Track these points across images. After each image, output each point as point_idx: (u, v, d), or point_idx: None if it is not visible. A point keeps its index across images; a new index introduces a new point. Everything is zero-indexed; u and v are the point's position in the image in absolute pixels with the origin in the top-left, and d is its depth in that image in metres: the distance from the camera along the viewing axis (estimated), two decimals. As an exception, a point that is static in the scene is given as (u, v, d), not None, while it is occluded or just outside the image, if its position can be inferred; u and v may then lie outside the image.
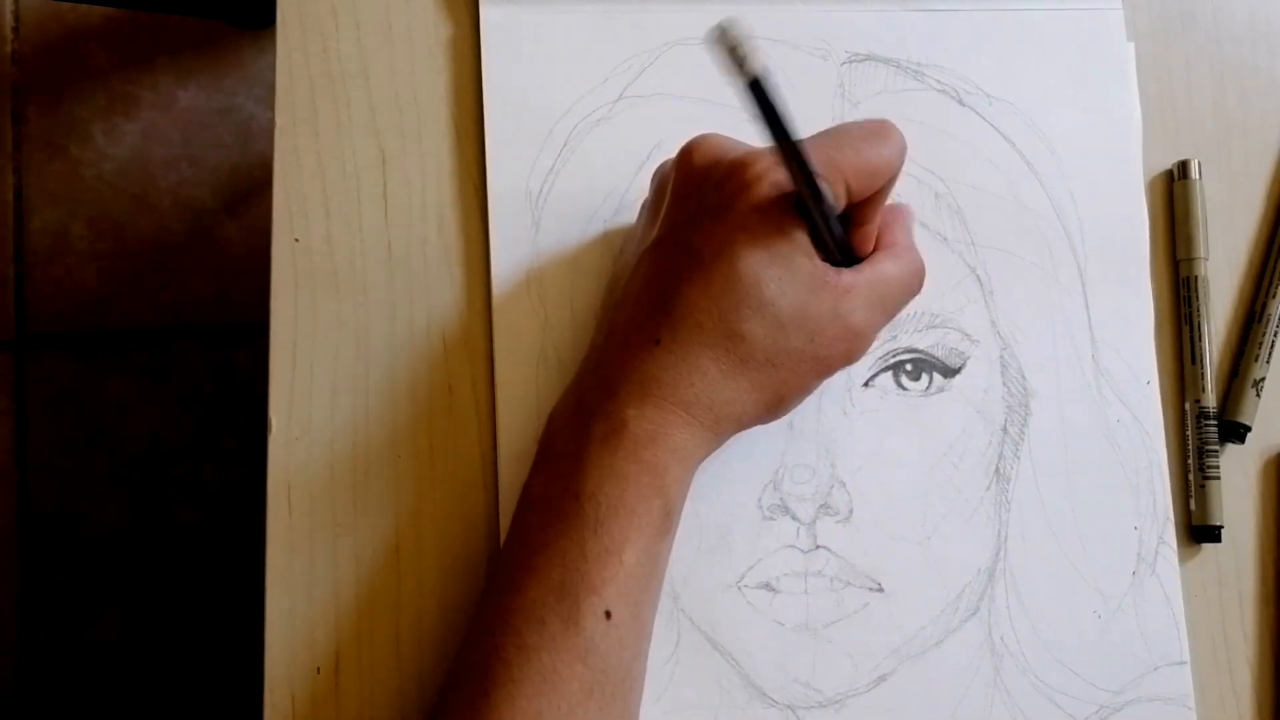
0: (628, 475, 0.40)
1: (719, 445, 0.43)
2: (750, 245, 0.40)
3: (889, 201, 0.44)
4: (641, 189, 0.50)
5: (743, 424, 0.42)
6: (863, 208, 0.42)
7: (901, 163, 0.42)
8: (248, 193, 1.29)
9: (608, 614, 0.39)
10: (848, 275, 0.42)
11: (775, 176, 0.41)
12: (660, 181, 0.46)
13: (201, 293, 1.27)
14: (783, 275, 0.40)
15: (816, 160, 0.39)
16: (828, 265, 0.41)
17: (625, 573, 0.39)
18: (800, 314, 0.41)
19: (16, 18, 1.30)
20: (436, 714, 0.40)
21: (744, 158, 0.42)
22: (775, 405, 0.42)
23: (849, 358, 0.43)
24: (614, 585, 0.39)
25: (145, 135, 1.29)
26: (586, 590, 0.39)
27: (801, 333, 0.41)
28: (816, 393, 0.48)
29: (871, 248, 0.44)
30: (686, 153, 0.43)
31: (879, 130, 0.42)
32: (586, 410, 0.42)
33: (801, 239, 0.41)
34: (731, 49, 0.33)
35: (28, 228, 1.27)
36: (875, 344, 0.50)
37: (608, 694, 0.39)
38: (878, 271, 0.43)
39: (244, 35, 1.31)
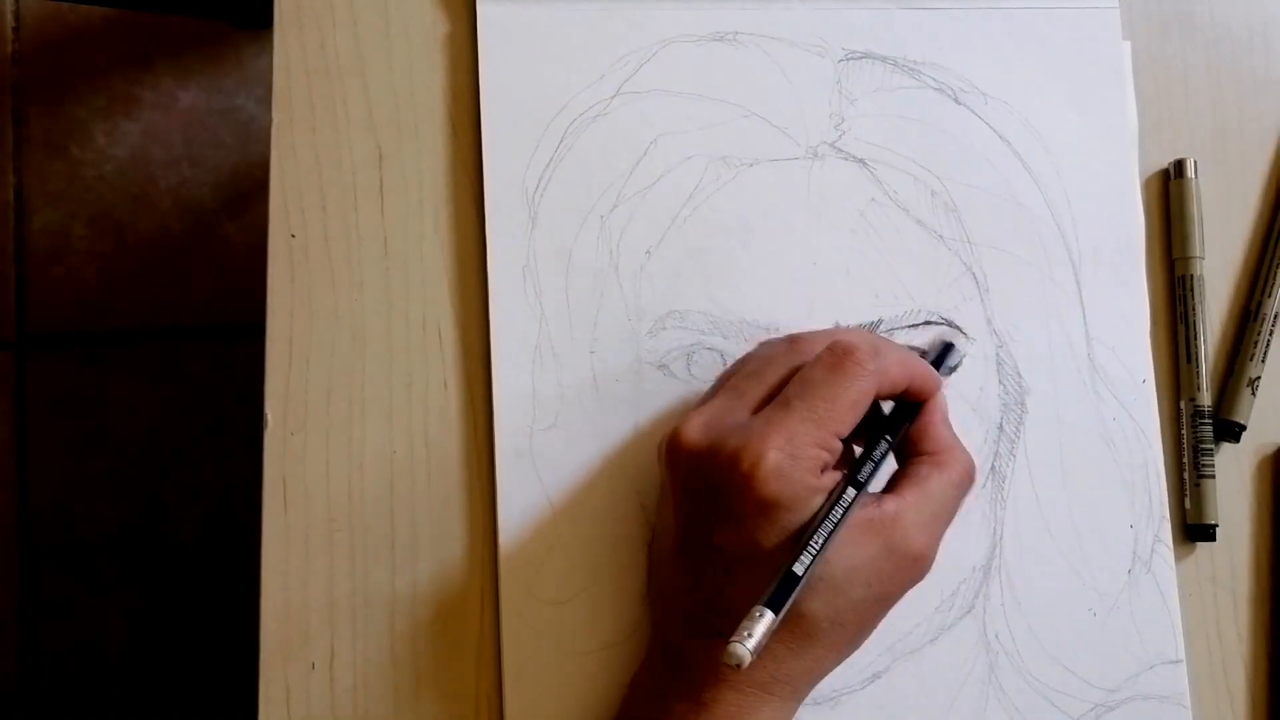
0: None
1: (801, 698, 0.43)
2: (777, 533, 0.40)
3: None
4: (639, 184, 0.50)
5: (821, 676, 0.43)
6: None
7: (875, 380, 0.41)
8: (248, 193, 1.29)
9: None
10: (890, 503, 0.41)
11: (773, 463, 0.40)
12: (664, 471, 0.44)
13: (201, 293, 1.27)
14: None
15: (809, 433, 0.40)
16: (866, 506, 0.41)
17: None
18: (851, 569, 0.40)
19: (17, 18, 1.31)
20: None
21: (735, 453, 0.40)
22: (853, 648, 0.43)
23: (915, 581, 0.42)
24: None
25: (145, 135, 1.29)
26: None
27: (859, 585, 0.40)
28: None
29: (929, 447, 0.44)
30: (672, 452, 0.42)
31: (836, 368, 0.42)
32: (667, 690, 0.42)
33: (822, 500, 0.40)
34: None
35: (28, 228, 1.27)
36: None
37: None
38: (924, 489, 0.42)
39: (244, 35, 1.31)
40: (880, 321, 0.50)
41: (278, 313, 0.48)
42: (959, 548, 0.49)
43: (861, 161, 0.51)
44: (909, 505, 0.41)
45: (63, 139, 1.29)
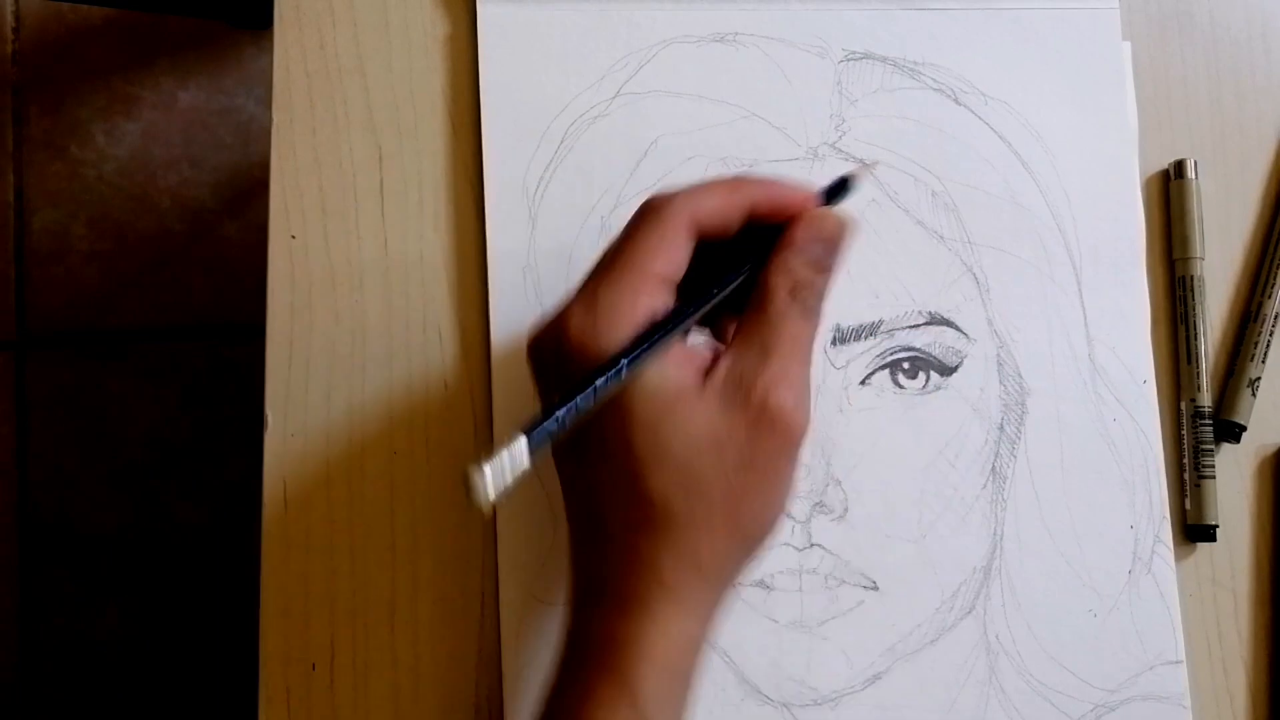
0: (589, 684, 0.37)
1: (708, 614, 0.39)
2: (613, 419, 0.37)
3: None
4: (638, 185, 0.50)
5: (723, 573, 0.39)
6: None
7: (684, 215, 0.39)
8: (248, 193, 1.29)
9: None
10: (718, 374, 0.38)
11: (575, 318, 0.38)
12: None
13: (201, 293, 1.27)
14: (646, 454, 0.37)
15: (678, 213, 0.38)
16: (699, 382, 0.38)
17: None
18: (689, 440, 0.37)
19: (17, 18, 1.31)
20: None
21: (552, 324, 0.39)
22: (749, 532, 0.38)
23: (786, 442, 0.38)
24: None
25: (146, 135, 1.29)
26: None
27: (707, 454, 0.37)
28: (813, 391, 0.49)
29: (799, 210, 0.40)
30: (527, 349, 0.40)
31: (638, 217, 0.40)
32: (567, 617, 0.40)
33: (643, 412, 0.37)
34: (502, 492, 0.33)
35: (28, 228, 1.27)
36: (872, 342, 0.50)
37: None
38: (758, 339, 0.38)
39: (244, 35, 1.31)
40: (881, 322, 0.50)
41: (278, 313, 0.48)
42: (960, 548, 0.49)
43: (862, 162, 0.51)
44: (739, 358, 0.38)
45: (63, 139, 1.29)
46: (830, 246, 0.40)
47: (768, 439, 0.37)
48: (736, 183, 0.40)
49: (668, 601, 0.37)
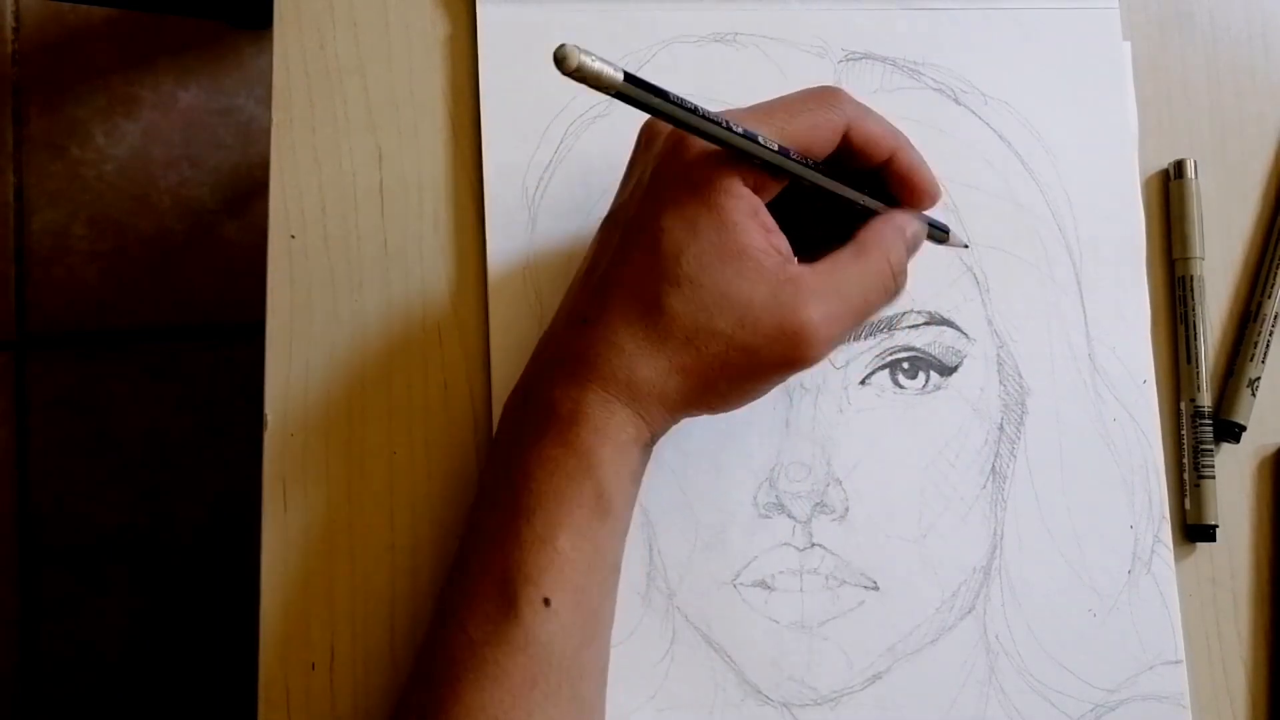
0: (554, 459, 0.39)
1: (654, 429, 0.41)
2: (676, 219, 0.39)
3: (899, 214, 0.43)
4: (638, 186, 0.50)
5: (669, 407, 0.40)
6: (863, 156, 0.42)
7: (840, 118, 0.41)
8: (248, 193, 1.29)
9: (546, 601, 0.38)
10: (795, 266, 0.40)
11: (707, 150, 0.39)
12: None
13: (201, 293, 1.27)
14: (704, 250, 0.38)
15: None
16: (768, 249, 0.39)
17: (561, 559, 0.38)
18: (724, 294, 0.38)
19: (17, 18, 1.31)
20: (398, 707, 0.40)
21: (680, 131, 0.39)
22: (703, 393, 0.40)
23: (790, 357, 0.39)
24: (550, 573, 0.38)
25: (145, 135, 1.29)
26: (523, 579, 0.38)
27: (728, 315, 0.39)
28: (813, 391, 0.49)
29: (913, 189, 0.43)
30: (644, 130, 0.43)
31: (810, 95, 0.41)
32: (527, 394, 0.41)
33: (733, 215, 0.39)
34: (577, 72, 0.32)
35: (28, 228, 1.27)
36: (872, 342, 0.50)
37: (553, 683, 0.38)
38: (833, 265, 0.40)
39: (244, 35, 1.31)
40: (881, 322, 0.50)
41: (278, 313, 0.48)
42: (960, 548, 0.49)
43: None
44: (810, 274, 0.39)
45: (63, 139, 1.29)
46: (916, 245, 0.44)
47: (783, 346, 0.39)
48: (892, 129, 0.43)
49: (635, 399, 0.39)
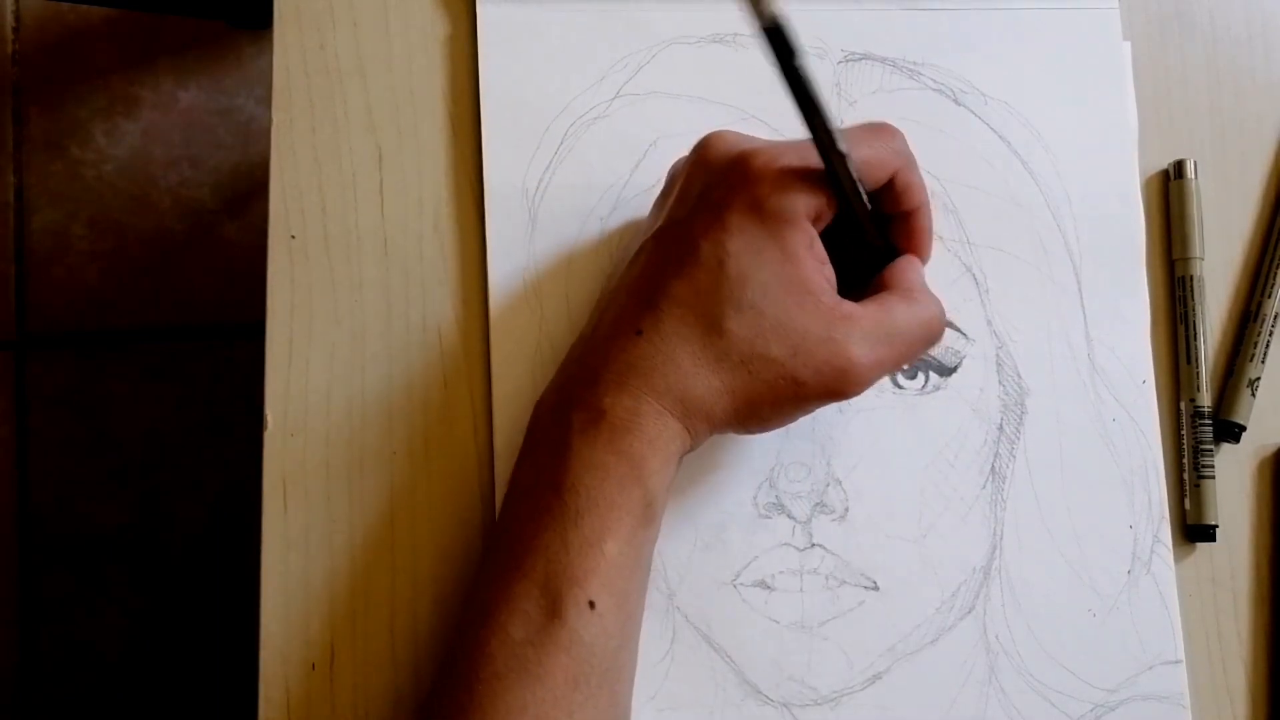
0: (606, 465, 0.40)
1: (694, 444, 0.42)
2: (742, 244, 0.40)
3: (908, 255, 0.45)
4: (638, 186, 0.50)
5: (714, 425, 0.41)
6: (895, 199, 0.43)
7: (900, 160, 0.43)
8: (248, 193, 1.29)
9: (591, 604, 0.38)
10: (850, 304, 0.41)
11: (778, 171, 0.40)
12: (672, 176, 0.46)
13: (201, 293, 1.27)
14: (769, 279, 0.40)
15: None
16: (825, 284, 0.41)
17: (608, 563, 0.39)
18: (784, 324, 0.40)
19: (17, 18, 1.31)
20: (426, 709, 0.40)
21: (749, 152, 0.41)
22: (747, 415, 0.41)
23: (833, 390, 0.41)
24: (597, 576, 0.39)
25: (146, 135, 1.29)
26: (569, 582, 0.38)
27: (784, 344, 0.40)
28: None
29: (918, 243, 0.45)
30: (702, 146, 0.43)
31: (876, 128, 0.43)
32: (568, 399, 0.42)
33: (796, 247, 0.40)
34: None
35: (28, 228, 1.27)
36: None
37: (594, 684, 0.39)
38: (886, 309, 0.42)
39: (244, 35, 1.31)
40: (880, 322, 0.50)
41: (278, 313, 0.48)
42: (959, 548, 0.49)
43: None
44: (865, 314, 0.41)
45: (63, 139, 1.29)
46: None
47: (828, 379, 0.41)
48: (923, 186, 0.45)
49: (687, 413, 0.41)
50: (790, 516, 0.48)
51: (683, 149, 0.50)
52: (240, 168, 1.29)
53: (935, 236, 0.51)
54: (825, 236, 0.42)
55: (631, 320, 0.41)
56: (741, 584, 0.48)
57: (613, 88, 0.51)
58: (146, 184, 1.28)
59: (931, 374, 0.50)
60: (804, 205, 0.40)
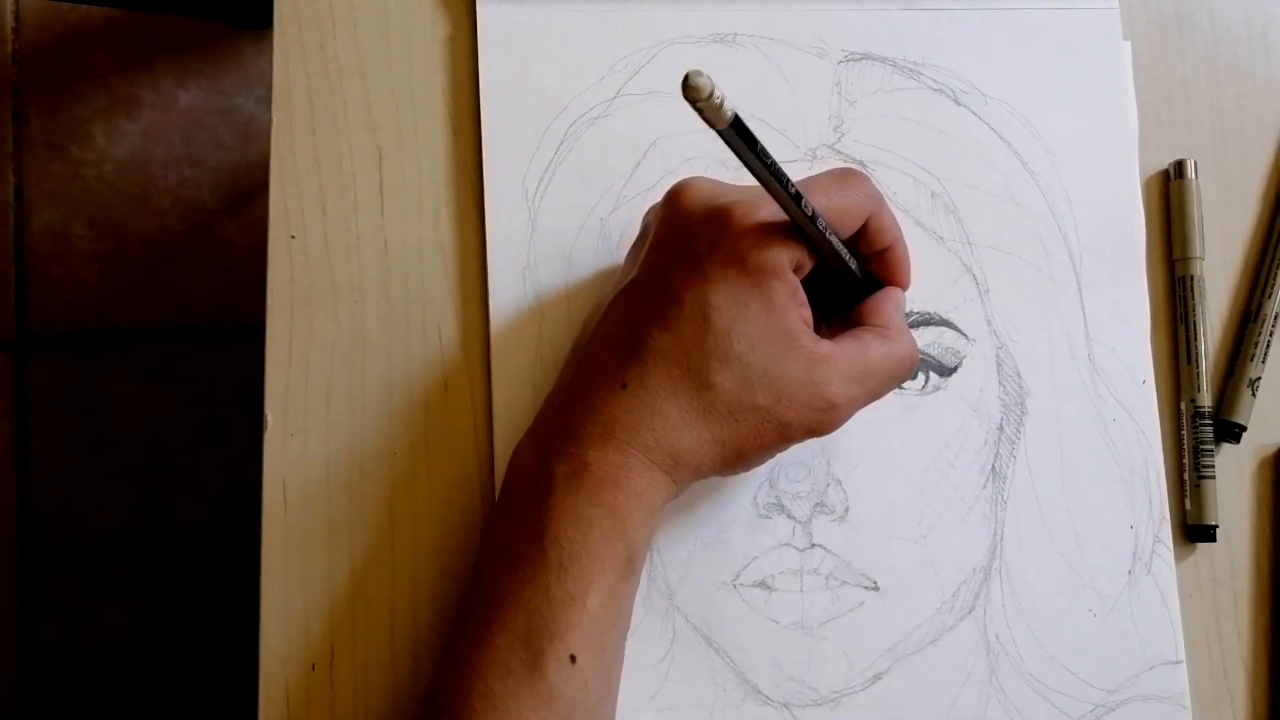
0: (590, 519, 0.40)
1: (678, 492, 0.42)
2: (726, 297, 0.40)
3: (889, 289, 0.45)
4: (638, 186, 0.50)
5: (700, 473, 0.42)
6: (870, 240, 0.44)
7: (871, 204, 0.43)
8: (248, 193, 1.29)
9: (572, 658, 0.38)
10: (827, 345, 0.41)
11: (758, 225, 0.40)
12: (646, 224, 0.45)
13: (201, 293, 1.27)
14: (754, 331, 0.40)
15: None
16: (806, 329, 0.41)
17: (589, 617, 0.39)
18: (770, 374, 0.40)
19: (17, 18, 1.31)
20: None
21: (729, 204, 0.41)
22: (733, 460, 0.42)
23: (816, 428, 0.42)
24: (578, 630, 0.39)
25: (145, 135, 1.29)
26: (550, 636, 0.38)
27: (769, 392, 0.40)
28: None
29: (896, 276, 0.45)
30: (674, 195, 0.43)
31: (844, 175, 0.43)
32: (550, 451, 0.41)
33: (779, 298, 0.40)
34: (700, 102, 0.32)
35: (28, 228, 1.27)
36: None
37: None
38: (861, 347, 0.42)
39: (244, 35, 1.31)
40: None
41: (277, 314, 0.48)
42: (960, 549, 0.49)
43: (861, 163, 0.51)
44: (842, 355, 0.41)
45: (63, 139, 1.29)
46: None
47: (810, 418, 0.41)
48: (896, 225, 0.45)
49: (674, 466, 0.41)
50: (790, 517, 0.48)
51: (683, 149, 0.50)
52: (240, 168, 1.29)
53: (936, 237, 0.51)
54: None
55: (615, 373, 0.41)
56: (742, 584, 0.48)
57: (613, 88, 0.51)
58: (146, 184, 1.28)
59: (932, 374, 0.50)
60: (786, 258, 0.41)
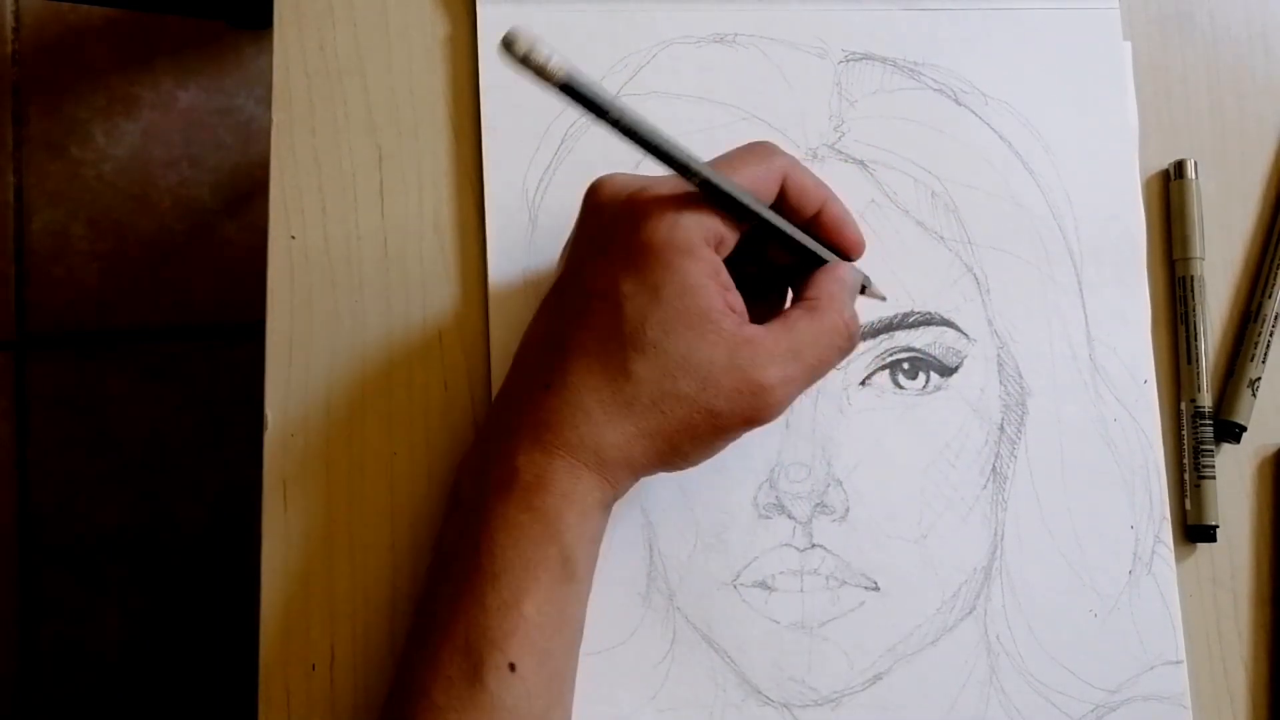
0: (520, 524, 0.39)
1: (618, 492, 0.41)
2: (636, 284, 0.39)
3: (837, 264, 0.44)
4: (638, 187, 0.50)
5: (635, 470, 0.41)
6: (799, 206, 0.43)
7: (784, 167, 0.42)
8: (248, 193, 1.29)
9: (512, 667, 0.38)
10: (752, 327, 0.40)
11: (663, 201, 0.40)
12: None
13: (201, 293, 1.27)
14: (668, 316, 0.39)
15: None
16: (727, 311, 0.40)
17: (527, 624, 0.38)
18: (688, 359, 0.39)
19: (17, 18, 1.31)
20: None
21: (637, 190, 0.40)
22: (668, 454, 0.41)
23: (752, 415, 0.40)
24: (516, 638, 0.38)
25: (145, 135, 1.29)
26: (488, 645, 0.38)
27: (692, 379, 0.39)
28: (813, 391, 0.49)
29: (842, 239, 0.44)
30: (589, 192, 0.42)
31: (752, 146, 0.42)
32: (485, 457, 0.41)
33: (694, 278, 0.39)
34: (525, 58, 0.31)
35: (28, 228, 1.27)
36: (872, 343, 0.50)
37: None
38: (787, 325, 0.41)
39: (244, 35, 1.31)
40: (881, 322, 0.50)
41: (277, 313, 0.48)
42: (960, 549, 0.49)
43: (861, 163, 0.51)
44: (767, 335, 0.40)
45: (63, 139, 1.29)
46: (854, 298, 0.44)
47: (742, 406, 0.40)
48: (825, 187, 0.43)
49: (602, 464, 0.40)
50: (791, 517, 0.48)
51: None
52: (240, 168, 1.29)
53: (936, 237, 0.51)
54: (760, 263, 0.42)
55: (539, 374, 0.41)
56: (742, 584, 0.48)
57: (613, 87, 0.51)
58: (146, 184, 1.28)
59: (932, 374, 0.50)
60: (699, 232, 0.39)
